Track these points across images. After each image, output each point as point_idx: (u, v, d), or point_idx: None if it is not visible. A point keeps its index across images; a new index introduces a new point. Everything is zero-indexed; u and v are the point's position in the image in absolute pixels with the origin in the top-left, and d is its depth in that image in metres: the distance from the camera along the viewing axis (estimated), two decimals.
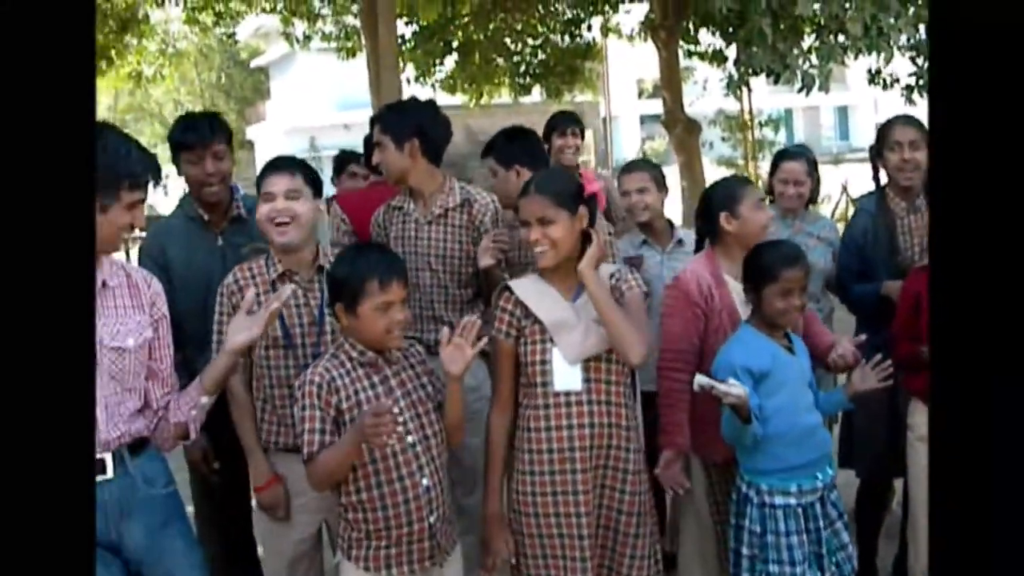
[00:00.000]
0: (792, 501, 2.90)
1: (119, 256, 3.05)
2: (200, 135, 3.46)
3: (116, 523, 2.54)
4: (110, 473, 2.52)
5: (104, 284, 2.55)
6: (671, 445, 3.16)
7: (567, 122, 5.07)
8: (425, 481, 2.71)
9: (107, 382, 2.52)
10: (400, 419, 2.67)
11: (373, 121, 3.93)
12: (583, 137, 5.17)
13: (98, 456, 2.49)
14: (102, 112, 27.80)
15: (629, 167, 4.26)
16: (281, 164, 3.10)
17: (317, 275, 3.08)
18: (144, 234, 3.86)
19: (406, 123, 3.53)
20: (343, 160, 5.60)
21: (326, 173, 5.20)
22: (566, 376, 2.84)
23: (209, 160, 3.44)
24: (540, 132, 4.50)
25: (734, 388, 2.69)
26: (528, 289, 2.90)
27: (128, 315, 2.60)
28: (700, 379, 2.73)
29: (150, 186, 2.49)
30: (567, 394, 2.85)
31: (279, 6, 14.48)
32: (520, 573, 2.94)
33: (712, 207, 3.27)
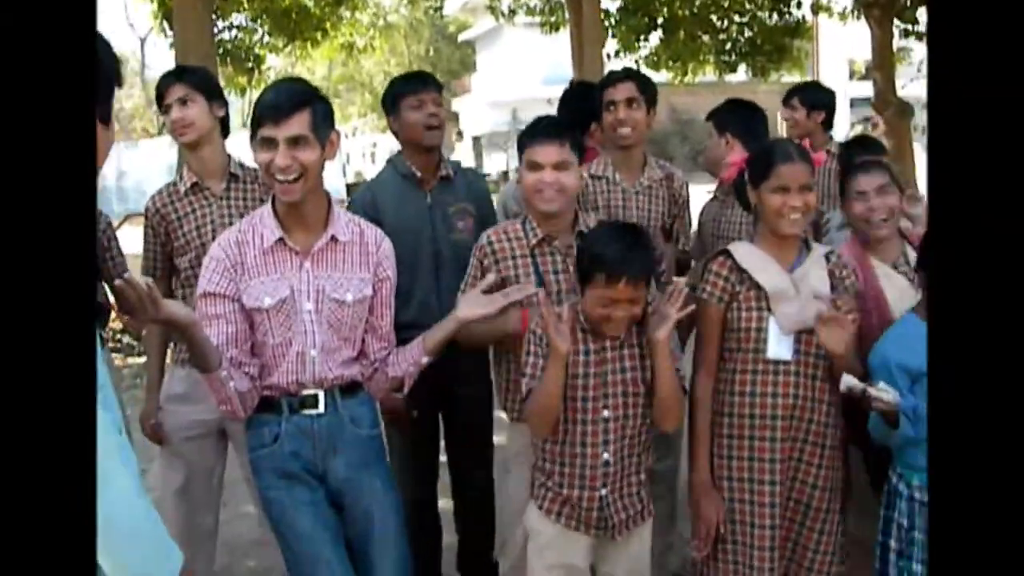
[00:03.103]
0: None
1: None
2: (424, 81, 3.67)
3: (323, 455, 2.73)
4: (321, 408, 2.72)
5: (334, 239, 2.72)
6: None
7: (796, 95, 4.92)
8: (606, 456, 2.74)
9: (325, 328, 2.71)
10: (600, 392, 2.73)
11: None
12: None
13: (312, 392, 2.71)
14: (317, 81, 28.80)
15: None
16: (550, 133, 3.00)
17: (576, 240, 3.02)
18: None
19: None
20: None
21: None
22: (778, 345, 2.82)
23: (431, 104, 3.60)
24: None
25: (884, 394, 2.58)
26: (749, 256, 2.88)
27: (352, 271, 2.75)
28: (848, 380, 2.62)
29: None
30: (776, 363, 2.83)
31: None
32: None
33: None
